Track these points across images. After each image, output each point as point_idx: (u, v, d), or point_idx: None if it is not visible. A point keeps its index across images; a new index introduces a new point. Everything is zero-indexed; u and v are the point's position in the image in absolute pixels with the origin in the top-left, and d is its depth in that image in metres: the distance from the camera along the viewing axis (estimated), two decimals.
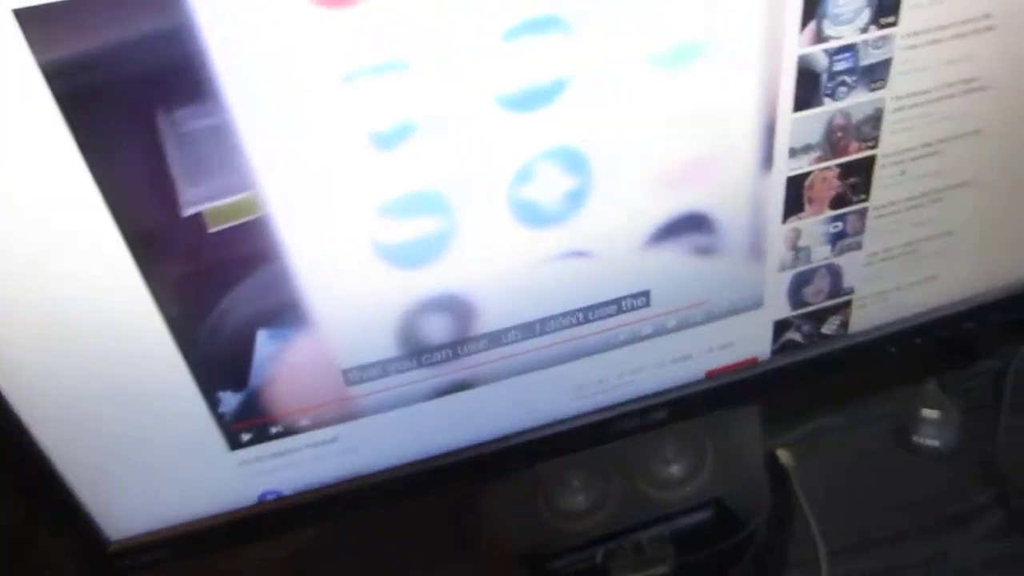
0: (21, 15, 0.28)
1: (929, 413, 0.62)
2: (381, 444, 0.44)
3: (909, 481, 0.60)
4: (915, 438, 0.62)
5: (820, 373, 0.51)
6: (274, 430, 0.42)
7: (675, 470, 0.52)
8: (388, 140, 0.34)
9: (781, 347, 0.49)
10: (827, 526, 0.56)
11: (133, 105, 0.31)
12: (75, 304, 0.35)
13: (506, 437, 0.46)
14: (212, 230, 0.34)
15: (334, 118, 0.33)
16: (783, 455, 0.62)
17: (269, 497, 0.45)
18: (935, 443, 0.61)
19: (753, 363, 0.49)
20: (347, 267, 0.37)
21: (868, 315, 0.49)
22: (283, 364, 0.39)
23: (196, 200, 0.33)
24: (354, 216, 0.36)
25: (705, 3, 0.35)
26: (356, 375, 0.41)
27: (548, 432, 0.47)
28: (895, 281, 0.48)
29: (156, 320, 0.36)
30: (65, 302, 0.35)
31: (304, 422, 0.42)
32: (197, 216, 0.34)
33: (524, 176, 0.37)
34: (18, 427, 0.38)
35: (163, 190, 0.33)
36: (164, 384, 0.38)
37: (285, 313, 0.38)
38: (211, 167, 0.33)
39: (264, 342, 0.38)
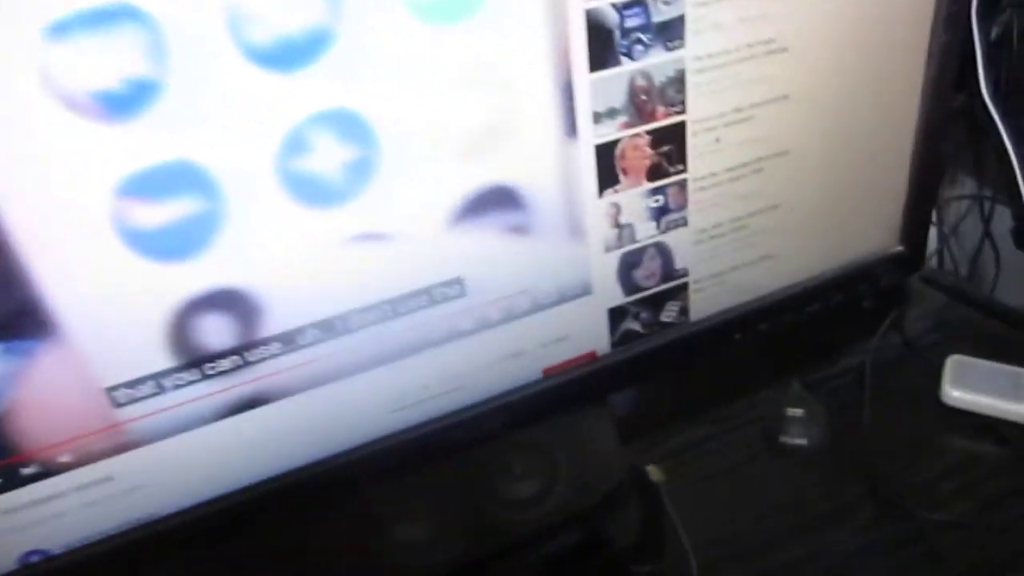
0: None
1: (794, 412, 0.61)
2: (169, 480, 0.38)
3: (780, 484, 0.57)
4: (782, 438, 0.59)
5: (666, 364, 0.48)
6: (26, 471, 0.35)
7: (525, 487, 0.47)
8: (121, 104, 0.30)
9: (621, 339, 0.46)
10: (699, 538, 0.53)
11: None
12: None
13: (320, 462, 0.41)
14: None
15: (47, 78, 0.28)
16: (653, 471, 0.59)
17: (33, 559, 0.38)
18: (802, 441, 0.59)
19: (593, 357, 0.46)
20: (92, 261, 0.32)
21: (707, 299, 0.47)
22: (28, 386, 0.33)
23: None
24: (88, 198, 0.31)
25: None
26: (124, 395, 0.35)
27: (369, 451, 0.42)
28: (730, 261, 0.47)
29: None
30: None
31: (65, 459, 0.36)
32: None
33: (294, 146, 0.33)
34: None
35: None
36: None
37: (22, 322, 0.32)
38: None
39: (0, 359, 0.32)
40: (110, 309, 0.33)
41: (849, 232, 0.50)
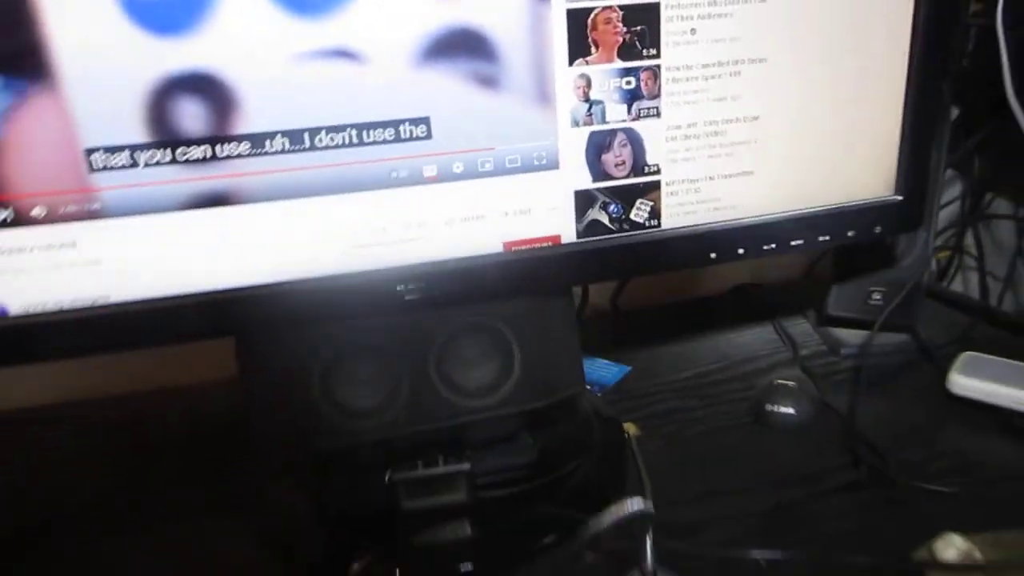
0: None
1: (784, 381, 0.58)
2: (127, 262, 0.41)
3: (759, 449, 0.55)
4: (768, 405, 0.57)
5: (633, 267, 0.48)
6: (3, 216, 0.39)
7: (476, 372, 0.47)
8: None
9: (587, 229, 0.46)
10: (663, 484, 0.50)
11: None
12: None
13: (271, 285, 0.43)
14: None
15: None
16: (629, 427, 0.57)
17: None
18: (789, 410, 0.56)
19: (557, 242, 0.46)
20: (92, 17, 0.36)
21: (681, 206, 0.47)
22: (16, 126, 0.37)
23: None
24: None
25: None
26: (100, 159, 0.38)
27: (317, 287, 0.43)
28: (705, 168, 0.47)
29: None
30: None
31: (38, 211, 0.39)
32: None
33: None
34: None
35: None
36: None
37: (24, 59, 0.36)
38: None
39: None
40: (100, 69, 0.37)
41: (838, 166, 0.50)
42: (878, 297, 0.66)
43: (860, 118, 0.49)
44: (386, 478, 0.43)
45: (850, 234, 0.51)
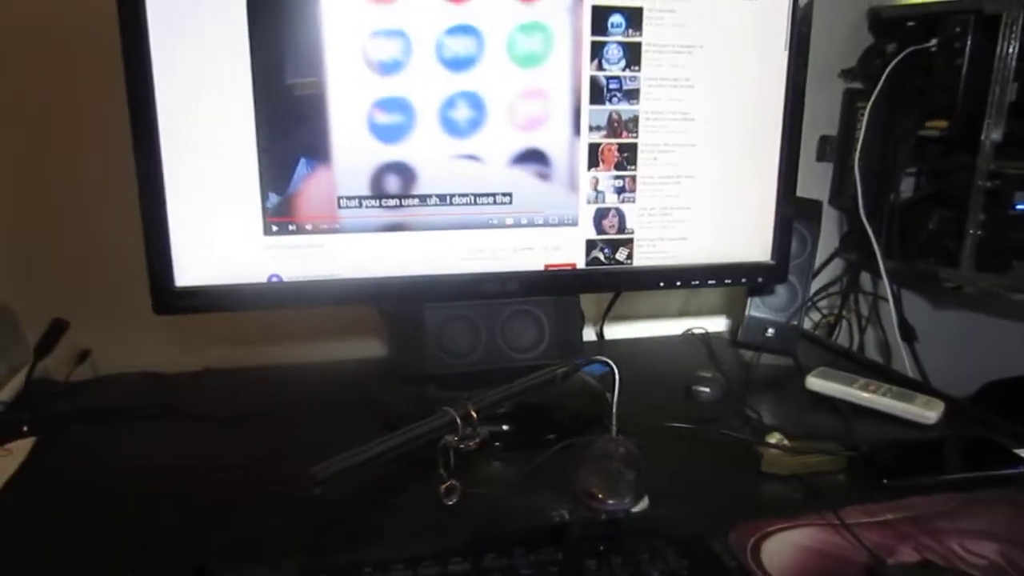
0: None
1: (706, 374, 0.93)
2: (347, 258, 0.76)
3: (684, 410, 0.89)
4: (694, 387, 0.92)
5: (615, 285, 0.84)
6: (291, 227, 0.74)
7: (523, 337, 0.82)
8: (387, 68, 0.72)
9: (591, 261, 0.82)
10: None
11: None
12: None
13: (421, 276, 0.78)
14: (296, 93, 0.71)
15: (361, 55, 0.72)
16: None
17: (274, 279, 0.76)
18: (706, 390, 0.91)
19: (573, 267, 0.82)
20: (356, 133, 0.73)
21: (645, 254, 0.84)
22: (308, 183, 0.73)
23: (292, 76, 0.71)
24: (362, 105, 0.73)
25: (544, 41, 0.75)
26: (344, 202, 0.75)
27: (445, 280, 0.79)
28: (659, 233, 0.84)
29: (251, 143, 0.71)
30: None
31: (308, 227, 0.75)
32: (291, 84, 0.71)
33: (449, 104, 0.74)
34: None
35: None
36: (242, 177, 0.72)
37: (319, 151, 0.73)
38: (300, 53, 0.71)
39: (302, 166, 0.73)
40: (353, 157, 0.74)
41: (736, 238, 0.86)
42: (771, 332, 1.02)
43: (752, 209, 0.86)
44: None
45: (743, 280, 0.88)
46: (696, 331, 1.14)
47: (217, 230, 0.73)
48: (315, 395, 0.90)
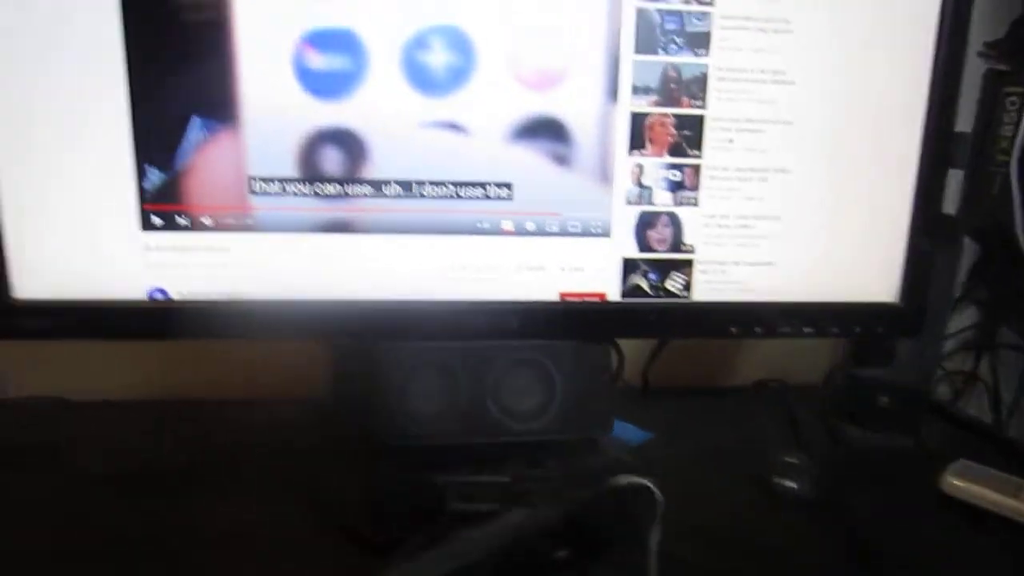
0: None
1: (791, 460, 0.65)
2: (264, 270, 0.52)
3: (762, 514, 0.61)
4: (775, 479, 0.63)
5: (664, 328, 0.57)
6: (181, 221, 0.50)
7: (522, 399, 0.56)
8: None
9: (629, 290, 0.56)
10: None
11: None
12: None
13: (377, 301, 0.53)
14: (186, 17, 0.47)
15: None
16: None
17: (156, 296, 0.51)
18: (792, 485, 0.63)
19: (603, 299, 0.56)
20: (277, 81, 0.49)
21: (709, 283, 0.57)
22: (203, 155, 0.49)
23: None
24: (285, 38, 0.48)
25: None
26: (259, 185, 0.50)
27: (411, 308, 0.53)
28: (733, 254, 0.56)
29: (120, 90, 0.48)
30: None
31: (207, 221, 0.51)
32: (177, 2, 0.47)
33: (419, 43, 0.49)
34: None
35: None
36: (105, 139, 0.48)
37: (220, 106, 0.49)
38: None
39: (195, 128, 0.49)
40: (272, 119, 0.49)
41: (849, 268, 0.58)
42: (884, 399, 0.73)
43: (871, 228, 0.58)
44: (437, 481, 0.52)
45: (856, 330, 0.60)
46: (771, 381, 0.86)
47: (74, 220, 0.50)
48: (235, 452, 0.65)
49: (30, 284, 0.50)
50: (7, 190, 0.48)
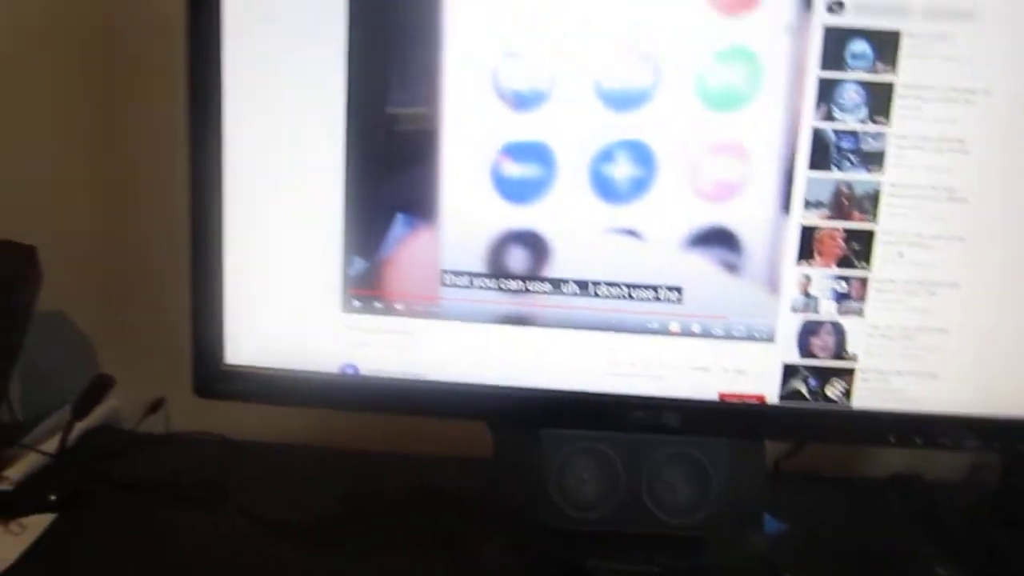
0: None
1: (942, 570, 0.63)
2: (446, 354, 0.56)
3: None
4: None
5: (822, 434, 0.58)
6: (377, 304, 0.55)
7: (675, 493, 0.57)
8: (524, 102, 0.53)
9: (788, 394, 0.57)
10: None
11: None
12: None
13: (547, 390, 0.56)
14: (400, 127, 0.53)
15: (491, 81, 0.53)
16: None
17: (348, 371, 0.56)
18: None
19: (762, 401, 0.57)
20: (475, 186, 0.54)
21: (871, 392, 0.57)
22: (404, 248, 0.54)
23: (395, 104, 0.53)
24: (486, 149, 0.53)
25: (749, 74, 0.53)
26: (450, 278, 0.55)
27: (578, 398, 0.56)
28: (896, 364, 0.57)
29: (338, 188, 0.54)
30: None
31: (399, 307, 0.55)
32: (394, 115, 0.53)
33: (605, 156, 0.53)
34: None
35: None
36: (321, 230, 0.54)
37: (422, 206, 0.54)
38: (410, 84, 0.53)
39: (399, 224, 0.54)
40: (468, 218, 0.54)
41: (1016, 385, 0.58)
42: None
43: None
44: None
45: (1022, 448, 0.58)
46: (908, 476, 0.83)
47: (285, 297, 0.55)
48: (392, 505, 0.69)
49: (239, 351, 0.56)
50: (232, 268, 0.55)
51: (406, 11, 0.52)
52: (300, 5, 0.52)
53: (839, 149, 0.54)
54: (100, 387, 0.69)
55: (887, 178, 0.54)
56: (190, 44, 0.52)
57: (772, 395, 0.57)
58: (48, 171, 0.76)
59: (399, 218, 0.54)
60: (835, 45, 0.52)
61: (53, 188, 0.76)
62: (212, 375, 0.56)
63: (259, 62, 0.53)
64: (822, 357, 0.57)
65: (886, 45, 0.52)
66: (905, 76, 0.52)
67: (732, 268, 0.55)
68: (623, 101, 0.53)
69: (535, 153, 0.53)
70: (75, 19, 0.74)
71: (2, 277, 0.66)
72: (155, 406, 0.78)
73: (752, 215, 0.54)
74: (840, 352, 0.57)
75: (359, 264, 0.55)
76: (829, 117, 0.53)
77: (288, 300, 0.55)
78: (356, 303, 0.55)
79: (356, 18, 0.52)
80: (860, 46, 0.52)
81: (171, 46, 0.54)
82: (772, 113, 0.53)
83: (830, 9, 0.52)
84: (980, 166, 0.54)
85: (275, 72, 0.53)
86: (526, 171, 0.54)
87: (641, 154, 0.54)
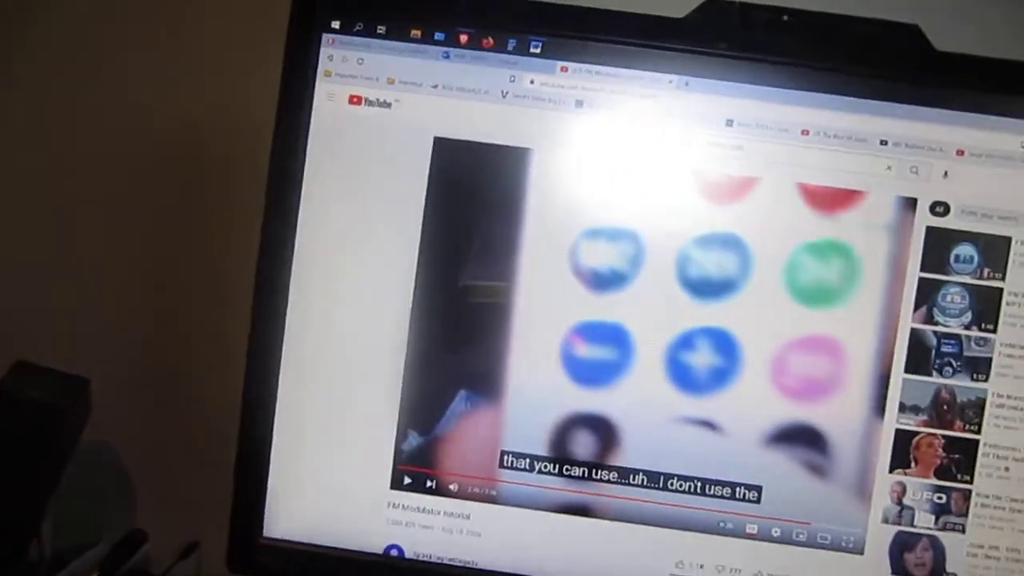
0: None
1: None
2: (499, 540, 0.52)
3: None
4: None
5: None
6: (429, 483, 0.52)
7: None
8: (604, 281, 0.50)
9: None
10: None
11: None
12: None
13: None
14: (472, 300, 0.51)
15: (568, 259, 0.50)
16: None
17: (392, 552, 0.52)
18: None
19: None
20: (543, 365, 0.51)
21: None
22: (463, 426, 0.51)
23: (470, 277, 0.51)
24: (559, 328, 0.50)
25: (845, 272, 0.50)
26: (509, 459, 0.51)
27: None
28: None
29: (399, 358, 0.51)
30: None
31: (453, 487, 0.52)
32: (466, 287, 0.51)
33: (684, 343, 0.50)
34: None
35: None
36: (378, 401, 0.51)
37: (487, 383, 0.51)
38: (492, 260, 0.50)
39: (460, 400, 0.51)
40: (533, 399, 0.51)
41: None
42: None
43: None
44: None
45: None
46: None
47: (332, 470, 0.52)
48: None
49: (279, 525, 0.53)
50: (281, 431, 0.52)
51: (488, 183, 0.50)
52: (382, 172, 0.51)
53: (941, 353, 0.50)
54: (133, 544, 0.66)
55: (994, 387, 0.50)
56: (268, 201, 0.51)
57: None
58: (107, 297, 0.75)
59: (461, 394, 0.51)
60: (939, 247, 0.49)
61: (108, 315, 0.75)
62: (250, 548, 0.52)
63: (334, 224, 0.51)
64: (918, 575, 0.51)
65: (994, 250, 0.49)
66: (1016, 283, 0.49)
67: (817, 470, 0.50)
68: (708, 289, 0.50)
69: (610, 335, 0.50)
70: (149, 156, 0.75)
71: (51, 408, 0.63)
72: (188, 550, 0.74)
73: (841, 416, 0.50)
74: (939, 570, 0.51)
75: (414, 439, 0.51)
76: (930, 320, 0.49)
77: (336, 472, 0.52)
78: (407, 480, 0.52)
79: (436, 185, 0.50)
80: (967, 249, 0.49)
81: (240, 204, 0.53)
82: (867, 311, 0.50)
83: (933, 211, 0.49)
84: None
85: (347, 241, 0.51)
86: (599, 352, 0.50)
87: (724, 344, 0.50)
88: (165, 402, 0.76)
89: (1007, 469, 0.50)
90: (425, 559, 0.52)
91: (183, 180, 0.74)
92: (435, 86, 0.51)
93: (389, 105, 0.51)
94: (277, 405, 0.52)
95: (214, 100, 0.72)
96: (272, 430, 0.52)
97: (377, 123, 0.51)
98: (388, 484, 0.52)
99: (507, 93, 0.50)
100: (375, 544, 0.52)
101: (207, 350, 0.74)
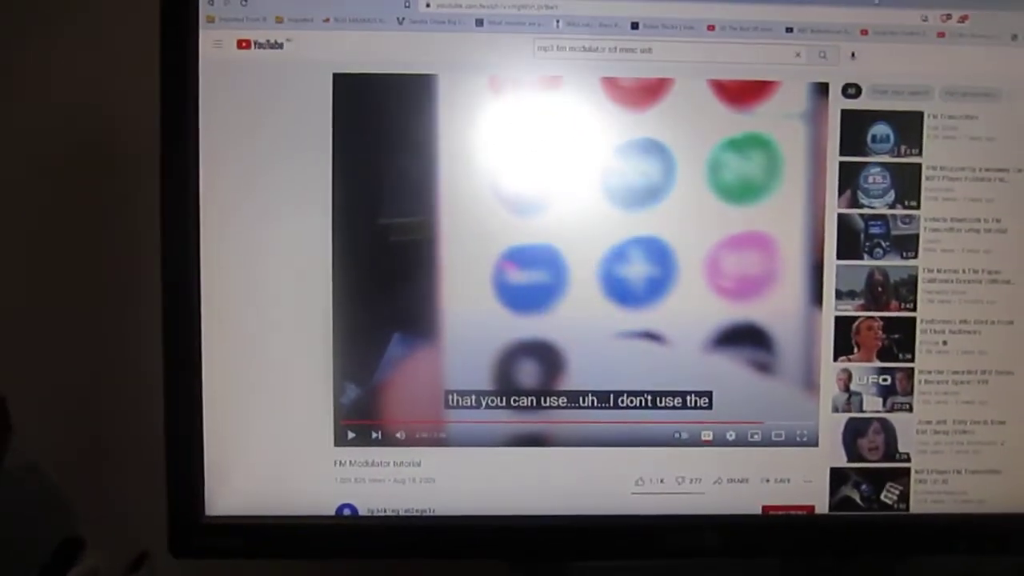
0: None
1: None
2: (454, 483, 0.50)
3: None
4: None
5: (880, 545, 0.52)
6: (374, 435, 0.50)
7: None
8: (528, 206, 0.49)
9: (839, 503, 0.51)
10: None
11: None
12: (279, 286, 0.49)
13: (571, 516, 0.50)
14: (394, 239, 0.48)
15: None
16: None
17: (345, 512, 0.50)
18: None
19: (811, 512, 0.51)
20: (477, 297, 0.49)
21: (929, 494, 0.51)
22: (400, 371, 0.49)
23: (389, 215, 0.48)
24: (488, 256, 0.49)
25: (766, 166, 0.49)
26: (454, 399, 0.49)
27: (603, 523, 0.50)
28: (953, 462, 0.51)
29: (327, 309, 0.49)
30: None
31: (400, 435, 0.50)
32: (386, 226, 0.48)
33: (618, 256, 0.49)
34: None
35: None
36: (308, 357, 0.49)
37: (421, 323, 0.49)
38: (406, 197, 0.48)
39: (396, 344, 0.49)
40: (470, 334, 0.49)
41: None
42: None
43: None
44: None
45: None
46: None
47: (271, 435, 0.50)
48: None
49: (221, 501, 0.50)
50: (211, 410, 0.49)
51: (396, 114, 0.48)
52: (281, 117, 0.48)
53: (869, 236, 0.50)
54: (68, 554, 0.61)
55: (923, 263, 0.50)
56: (163, 162, 0.48)
57: (822, 505, 0.51)
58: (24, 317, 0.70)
59: (395, 338, 0.49)
60: (854, 129, 0.49)
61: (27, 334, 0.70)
62: (191, 530, 0.49)
63: (238, 176, 0.48)
64: (873, 460, 0.51)
65: (909, 126, 0.49)
66: (933, 157, 0.49)
67: (764, 368, 0.50)
68: (634, 198, 0.49)
69: (541, 257, 0.49)
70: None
71: None
72: (138, 562, 0.70)
73: (781, 310, 0.50)
74: (892, 453, 0.51)
75: (352, 391, 0.49)
76: (855, 204, 0.49)
77: (274, 436, 0.49)
78: (350, 435, 0.49)
79: (341, 124, 0.48)
80: (881, 129, 0.49)
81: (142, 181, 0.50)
82: (793, 203, 0.49)
83: (846, 94, 0.49)
84: (1021, 244, 0.50)
85: (255, 193, 0.48)
86: (532, 277, 0.49)
87: (657, 252, 0.49)
88: (89, 410, 0.72)
89: (945, 343, 0.51)
90: (380, 513, 0.50)
91: (75, 177, 0.70)
92: (327, 20, 0.48)
93: (281, 46, 0.48)
94: (203, 374, 0.49)
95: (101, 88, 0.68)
96: (201, 402, 0.49)
97: (271, 66, 0.48)
98: (332, 442, 0.49)
99: (403, 19, 0.48)
100: (326, 506, 0.50)
101: (128, 350, 0.70)
